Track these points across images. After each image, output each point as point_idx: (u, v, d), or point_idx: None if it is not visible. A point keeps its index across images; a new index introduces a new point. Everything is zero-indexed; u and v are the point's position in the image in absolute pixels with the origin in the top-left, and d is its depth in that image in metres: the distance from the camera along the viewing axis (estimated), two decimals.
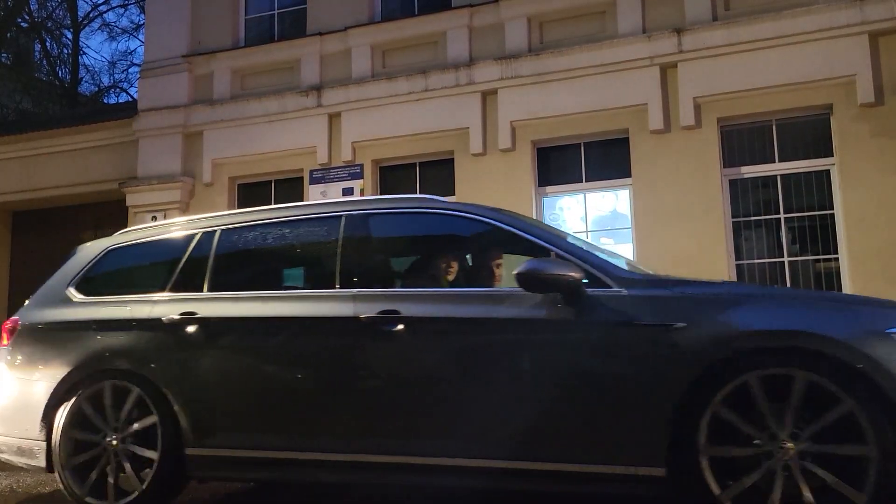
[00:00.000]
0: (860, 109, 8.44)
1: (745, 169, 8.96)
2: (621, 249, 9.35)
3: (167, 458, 3.95)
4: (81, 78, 23.39)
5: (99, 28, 32.83)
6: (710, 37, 9.03)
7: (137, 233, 4.80)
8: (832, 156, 8.56)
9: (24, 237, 13.08)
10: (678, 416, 3.20)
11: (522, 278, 3.47)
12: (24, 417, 4.31)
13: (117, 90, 24.51)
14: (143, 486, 3.95)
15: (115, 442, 4.08)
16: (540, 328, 3.53)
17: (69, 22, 22.81)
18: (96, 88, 24.37)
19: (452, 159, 10.09)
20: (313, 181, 10.68)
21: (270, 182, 11.17)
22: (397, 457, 3.61)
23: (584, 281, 3.48)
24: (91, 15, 23.02)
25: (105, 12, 26.33)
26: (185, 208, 11.27)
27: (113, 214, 12.04)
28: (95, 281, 4.67)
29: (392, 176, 10.53)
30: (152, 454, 3.98)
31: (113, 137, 12.04)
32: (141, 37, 20.59)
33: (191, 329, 4.07)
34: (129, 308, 4.32)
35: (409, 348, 3.72)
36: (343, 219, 4.07)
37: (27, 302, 4.80)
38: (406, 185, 10.41)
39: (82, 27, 22.97)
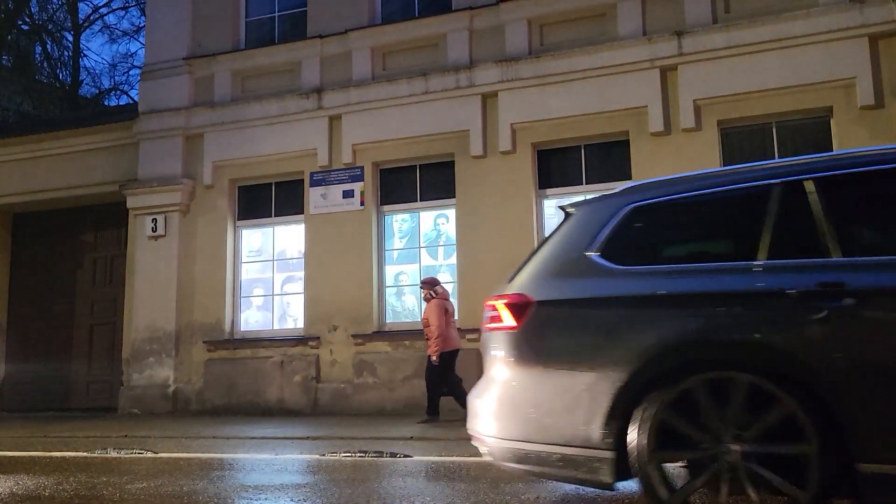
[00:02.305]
0: (860, 112, 8.46)
1: None
2: None
3: (825, 473, 3.01)
4: (82, 80, 23.41)
5: (99, 30, 32.97)
6: (710, 39, 9.05)
7: (661, 188, 3.78)
8: None
9: (25, 239, 13.10)
10: None
11: None
12: (567, 421, 3.41)
13: (118, 92, 24.49)
14: None
15: (736, 449, 3.11)
16: None
17: (70, 24, 22.82)
18: (97, 91, 24.36)
19: (453, 161, 10.10)
20: (314, 183, 10.69)
21: (271, 184, 11.18)
22: None
23: None
24: (91, 17, 23.01)
25: (105, 14, 26.40)
26: (185, 210, 11.28)
27: (113, 216, 12.08)
28: (625, 246, 3.69)
29: (392, 178, 10.54)
30: (808, 463, 3.02)
31: (113, 140, 12.07)
32: (141, 39, 20.60)
33: (842, 304, 3.11)
34: (711, 279, 3.36)
35: None
36: None
37: (523, 274, 3.81)
38: (407, 187, 10.43)
39: (83, 29, 22.99)
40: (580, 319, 3.54)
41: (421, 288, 9.06)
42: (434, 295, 8.74)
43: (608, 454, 3.27)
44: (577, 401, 3.38)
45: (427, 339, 8.70)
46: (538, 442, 3.47)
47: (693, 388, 3.19)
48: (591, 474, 3.34)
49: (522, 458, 3.53)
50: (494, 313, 3.71)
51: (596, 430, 3.29)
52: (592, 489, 4.26)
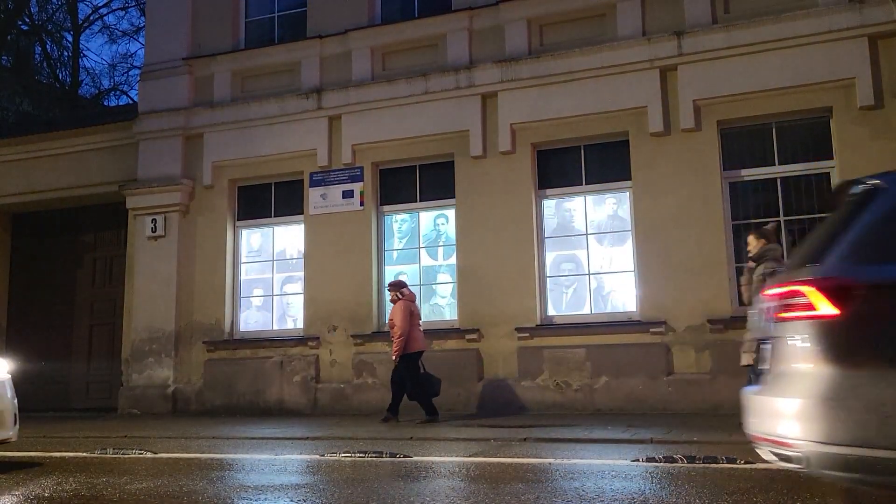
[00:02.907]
0: (860, 112, 8.46)
1: (745, 171, 8.97)
2: (621, 252, 9.36)
3: None
4: (82, 80, 23.43)
5: (99, 31, 33.03)
6: (709, 40, 9.04)
7: None
8: (832, 158, 8.56)
9: (24, 239, 13.10)
10: None
11: None
12: None
13: (118, 93, 24.52)
14: None
15: None
16: None
17: (69, 24, 22.85)
18: (96, 91, 24.38)
19: (452, 162, 10.09)
20: (313, 184, 10.68)
21: (271, 185, 11.18)
22: None
23: None
24: (91, 17, 23.06)
25: (105, 15, 26.46)
26: (185, 210, 11.28)
27: (113, 216, 12.08)
28: None
29: (392, 178, 10.54)
30: None
31: (113, 140, 12.06)
32: (141, 39, 20.62)
33: None
34: None
35: None
36: None
37: (832, 256, 3.33)
38: (407, 187, 10.43)
39: (82, 30, 23.02)
40: None
41: (388, 290, 9.10)
42: (401, 297, 8.80)
43: None
44: None
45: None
46: (882, 448, 2.94)
47: None
48: None
49: (855, 465, 3.02)
50: (799, 300, 3.23)
51: None
52: (593, 490, 4.26)
